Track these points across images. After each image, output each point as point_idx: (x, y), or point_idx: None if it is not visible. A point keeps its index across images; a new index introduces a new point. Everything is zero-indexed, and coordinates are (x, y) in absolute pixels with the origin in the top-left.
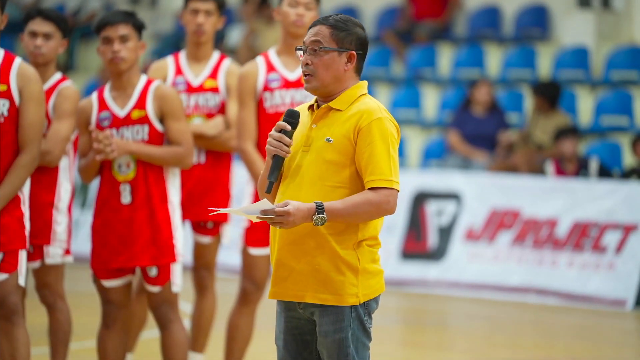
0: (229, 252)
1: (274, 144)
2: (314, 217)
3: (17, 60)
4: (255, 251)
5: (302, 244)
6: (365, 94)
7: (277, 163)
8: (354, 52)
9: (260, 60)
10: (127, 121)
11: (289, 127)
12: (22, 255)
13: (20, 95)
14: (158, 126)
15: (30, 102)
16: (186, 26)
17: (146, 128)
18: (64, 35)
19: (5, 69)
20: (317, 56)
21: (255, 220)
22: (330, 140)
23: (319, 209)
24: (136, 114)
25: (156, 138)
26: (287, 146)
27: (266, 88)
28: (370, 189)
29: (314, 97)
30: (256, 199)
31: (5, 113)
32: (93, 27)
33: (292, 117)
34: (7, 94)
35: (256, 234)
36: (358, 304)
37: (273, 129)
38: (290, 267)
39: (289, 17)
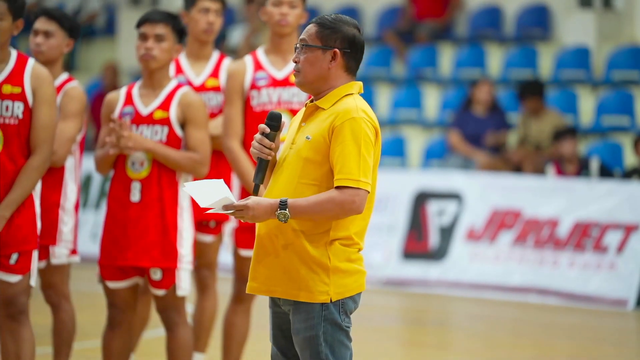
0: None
1: (256, 147)
2: (277, 213)
3: (31, 62)
4: (245, 252)
5: (276, 240)
6: (351, 94)
7: (261, 165)
8: (337, 50)
9: (248, 59)
10: (149, 120)
11: (268, 130)
12: (34, 256)
13: (34, 96)
14: (178, 130)
15: (43, 104)
16: (191, 25)
17: (165, 130)
18: (70, 35)
19: (19, 71)
20: (303, 53)
21: (222, 211)
22: (309, 138)
23: (282, 205)
24: (158, 115)
25: (174, 142)
26: (268, 148)
27: (253, 86)
28: (336, 187)
29: (302, 97)
30: (243, 194)
31: (20, 115)
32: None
33: (273, 120)
34: (21, 96)
35: (245, 236)
36: (329, 302)
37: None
38: (265, 262)
39: (274, 16)
